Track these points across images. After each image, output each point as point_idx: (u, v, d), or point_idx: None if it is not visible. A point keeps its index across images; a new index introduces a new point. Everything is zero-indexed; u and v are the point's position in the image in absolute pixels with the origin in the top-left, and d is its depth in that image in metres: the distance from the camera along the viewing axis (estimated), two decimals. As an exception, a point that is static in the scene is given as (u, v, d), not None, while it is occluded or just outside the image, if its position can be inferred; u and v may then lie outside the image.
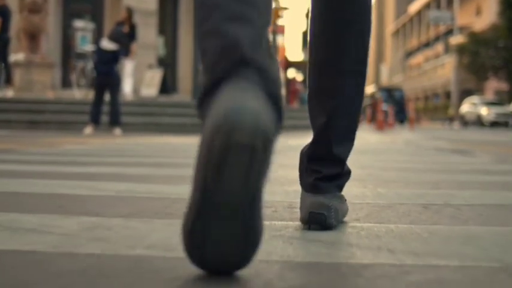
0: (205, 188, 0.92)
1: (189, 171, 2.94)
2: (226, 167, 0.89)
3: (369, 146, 7.25)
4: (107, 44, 9.96)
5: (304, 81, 29.99)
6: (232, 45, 0.98)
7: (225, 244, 0.95)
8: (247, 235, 0.95)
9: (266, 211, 1.72)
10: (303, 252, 1.18)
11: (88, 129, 9.65)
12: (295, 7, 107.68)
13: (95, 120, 9.69)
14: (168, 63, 17.62)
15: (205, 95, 0.97)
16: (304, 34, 36.87)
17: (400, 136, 11.94)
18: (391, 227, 1.49)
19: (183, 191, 2.16)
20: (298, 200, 1.57)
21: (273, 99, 0.95)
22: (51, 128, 10.62)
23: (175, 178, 2.70)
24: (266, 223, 1.45)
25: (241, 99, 0.89)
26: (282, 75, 2.54)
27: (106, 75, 9.77)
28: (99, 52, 10.00)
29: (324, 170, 1.49)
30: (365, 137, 11.27)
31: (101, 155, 4.43)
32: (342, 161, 1.53)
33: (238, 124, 0.87)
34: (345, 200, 1.57)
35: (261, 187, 0.93)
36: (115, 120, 9.73)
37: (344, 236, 1.36)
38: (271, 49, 1.04)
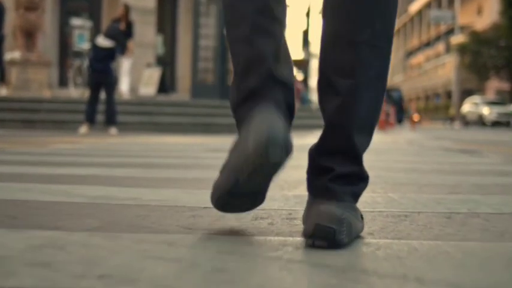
0: (235, 184, 1.21)
1: (177, 173, 2.68)
2: (258, 176, 1.18)
3: (371, 145, 6.97)
4: (103, 41, 9.69)
5: (304, 80, 29.78)
6: (259, 59, 1.24)
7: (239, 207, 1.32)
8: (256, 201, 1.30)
9: (261, 223, 1.44)
10: (304, 283, 0.90)
11: (83, 129, 9.40)
12: (295, 6, 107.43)
13: (90, 119, 9.43)
14: (166, 62, 17.47)
15: (240, 104, 1.26)
16: (305, 33, 36.72)
17: (402, 136, 11.68)
18: (414, 245, 1.21)
19: (165, 196, 1.88)
20: (299, 208, 1.30)
21: (290, 108, 1.27)
22: (47, 127, 10.44)
23: (160, 181, 2.42)
24: (260, 239, 1.18)
25: (273, 124, 1.13)
26: None
27: (101, 73, 9.51)
28: (95, 49, 9.74)
29: (338, 167, 1.25)
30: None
31: (90, 155, 4.16)
32: (358, 156, 1.28)
33: (274, 150, 1.12)
34: (362, 217, 1.32)
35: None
36: (111, 120, 9.49)
37: (357, 259, 1.08)
38: (286, 52, 1.28)
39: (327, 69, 1.29)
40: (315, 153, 1.30)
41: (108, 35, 9.91)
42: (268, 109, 1.18)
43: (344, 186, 1.25)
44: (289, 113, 1.26)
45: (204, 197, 1.80)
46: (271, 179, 1.22)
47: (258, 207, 1.33)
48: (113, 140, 7.05)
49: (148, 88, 14.54)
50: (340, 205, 1.20)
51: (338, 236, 1.13)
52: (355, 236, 1.23)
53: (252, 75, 1.24)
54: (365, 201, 1.83)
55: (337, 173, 1.24)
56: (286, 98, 1.26)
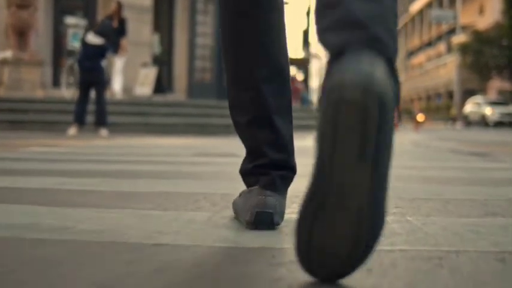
0: (322, 166, 0.87)
1: (144, 185, 2.22)
2: (340, 128, 0.85)
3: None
4: (93, 38, 9.26)
5: (304, 80, 29.40)
6: (261, 151, 1.46)
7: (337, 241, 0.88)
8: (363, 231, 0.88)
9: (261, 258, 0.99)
10: None
11: (72, 130, 8.98)
12: (296, 5, 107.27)
13: (79, 120, 9.02)
14: (163, 62, 17.18)
15: (247, 174, 1.50)
16: (305, 32, 36.34)
17: (406, 137, 11.24)
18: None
19: (105, 223, 1.42)
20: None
21: (391, 66, 0.95)
22: (35, 128, 10.10)
23: (114, 197, 1.96)
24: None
25: (356, 62, 0.88)
26: None
27: (91, 71, 9.10)
28: (84, 47, 9.31)
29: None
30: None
31: (57, 160, 3.70)
32: (363, 23, 0.98)
33: (349, 81, 0.84)
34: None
35: (383, 171, 0.87)
36: (101, 121, 9.07)
37: None
38: (395, 21, 1.01)
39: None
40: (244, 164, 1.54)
41: (99, 32, 9.45)
42: (354, 54, 0.91)
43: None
44: (285, 184, 1.46)
45: (158, 223, 1.35)
46: (373, 156, 0.87)
47: None
48: (99, 142, 6.62)
49: (144, 88, 14.22)
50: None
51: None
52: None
53: (254, 161, 1.45)
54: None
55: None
56: (284, 176, 1.44)
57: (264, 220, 1.34)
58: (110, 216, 1.52)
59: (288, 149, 1.46)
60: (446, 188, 2.43)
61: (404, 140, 9.31)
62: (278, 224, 1.37)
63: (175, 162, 3.67)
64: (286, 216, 1.45)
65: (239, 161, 1.54)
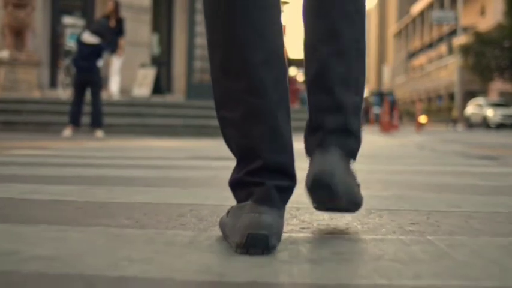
0: None
1: (120, 195, 1.91)
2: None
3: (380, 150, 6.30)
4: (88, 37, 9.00)
5: (304, 81, 29.09)
6: (253, 151, 1.23)
7: None
8: None
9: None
10: None
11: (67, 131, 8.74)
12: (296, 5, 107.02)
13: (74, 121, 8.77)
14: (162, 62, 16.97)
15: (237, 187, 1.26)
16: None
17: (409, 139, 10.99)
18: None
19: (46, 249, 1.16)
20: None
21: (351, 150, 1.39)
22: (29, 129, 9.90)
23: (68, 215, 1.71)
24: None
25: (326, 167, 1.29)
26: None
27: (86, 71, 8.86)
28: (80, 46, 9.06)
29: (326, 122, 1.37)
30: (372, 139, 10.33)
31: (42, 163, 3.44)
32: (343, 109, 1.36)
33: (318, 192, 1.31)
34: (357, 185, 1.44)
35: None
36: (96, 122, 8.84)
37: None
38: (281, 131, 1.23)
39: (311, 38, 1.41)
40: (308, 124, 1.45)
41: (95, 31, 9.20)
42: (326, 152, 1.32)
43: (334, 139, 1.37)
44: (283, 196, 1.25)
45: (129, 246, 1.10)
46: None
47: None
48: (92, 144, 6.36)
49: (143, 89, 14.00)
50: (333, 155, 1.34)
51: (332, 182, 1.30)
52: (351, 192, 1.38)
53: (246, 166, 1.24)
54: (400, 259, 1.11)
55: (327, 129, 1.38)
56: (282, 186, 1.24)
57: (257, 244, 1.13)
58: (73, 237, 1.27)
59: (287, 151, 1.25)
60: (464, 198, 2.18)
61: (407, 142, 9.06)
62: (274, 247, 1.16)
63: (165, 166, 3.41)
64: (284, 235, 1.20)
65: (234, 164, 1.31)
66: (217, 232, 1.36)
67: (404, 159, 4.87)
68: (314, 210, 1.42)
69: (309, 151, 1.37)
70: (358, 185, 1.42)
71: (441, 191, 2.41)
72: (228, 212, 1.29)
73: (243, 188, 1.22)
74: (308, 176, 1.31)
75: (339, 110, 1.33)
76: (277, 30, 1.26)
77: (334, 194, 1.28)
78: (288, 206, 1.25)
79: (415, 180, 2.84)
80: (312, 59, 1.37)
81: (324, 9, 1.37)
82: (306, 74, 1.39)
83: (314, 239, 1.33)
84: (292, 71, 24.60)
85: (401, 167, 3.80)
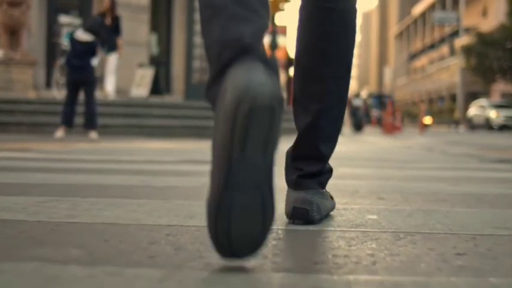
0: (230, 165, 1.00)
1: (81, 215, 1.55)
2: (251, 129, 0.98)
3: (387, 152, 5.92)
4: (82, 35, 8.61)
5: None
6: (236, 38, 1.10)
7: (248, 216, 1.02)
8: (265, 207, 1.05)
9: None
10: None
11: (59, 133, 8.38)
12: (297, 6, 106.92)
13: (67, 122, 8.40)
14: (161, 62, 16.71)
15: (213, 80, 1.11)
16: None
17: (413, 141, 10.62)
18: None
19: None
20: None
21: (275, 74, 1.06)
22: (22, 130, 9.62)
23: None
24: None
25: (254, 72, 1.00)
26: (283, 75, 2.69)
27: (80, 70, 8.49)
28: (73, 44, 8.68)
29: (306, 167, 1.58)
30: (376, 141, 9.97)
31: (16, 168, 3.06)
32: (325, 159, 1.60)
33: (260, 91, 0.98)
34: (330, 197, 1.67)
35: (274, 160, 1.05)
36: (90, 123, 8.47)
37: None
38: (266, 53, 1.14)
39: (300, 93, 1.59)
40: (290, 157, 1.62)
41: (88, 28, 8.80)
42: (243, 65, 1.04)
43: (312, 179, 1.58)
44: (275, 76, 1.09)
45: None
46: (271, 150, 1.03)
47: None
48: (83, 145, 5.99)
49: (141, 89, 13.71)
50: (309, 192, 1.54)
51: (311, 214, 1.51)
52: (325, 213, 1.60)
53: (228, 50, 1.09)
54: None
55: (305, 172, 1.57)
56: (268, 67, 1.06)
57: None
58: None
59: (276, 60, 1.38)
60: (508, 214, 1.79)
61: (412, 144, 8.69)
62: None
63: (152, 172, 3.02)
64: (293, 274, 0.81)
65: None
66: (197, 272, 0.99)
67: (416, 163, 4.49)
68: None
69: (288, 183, 1.60)
70: (331, 197, 1.69)
71: (474, 203, 2.02)
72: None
73: (217, 82, 1.10)
74: (287, 206, 1.56)
75: (320, 160, 1.58)
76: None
77: (311, 222, 1.52)
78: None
79: (438, 190, 2.46)
80: (303, 113, 1.57)
81: (315, 73, 1.55)
82: (297, 125, 1.59)
83: (331, 283, 0.95)
84: (293, 71, 24.34)
85: (416, 172, 3.41)
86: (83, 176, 2.69)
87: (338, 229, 1.46)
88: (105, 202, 1.80)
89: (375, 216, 1.66)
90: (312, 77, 1.56)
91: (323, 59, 1.54)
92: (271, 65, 1.06)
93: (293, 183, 1.57)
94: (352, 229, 1.47)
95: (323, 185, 1.61)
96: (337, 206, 1.80)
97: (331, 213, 1.69)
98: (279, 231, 1.41)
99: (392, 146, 8.01)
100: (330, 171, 1.64)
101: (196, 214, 1.61)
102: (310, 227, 1.47)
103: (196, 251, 1.15)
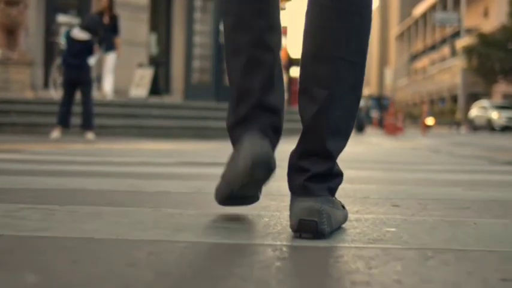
0: (231, 193, 1.48)
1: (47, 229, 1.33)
2: (248, 187, 1.44)
3: (393, 154, 5.71)
4: (78, 33, 8.40)
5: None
6: (250, 90, 1.49)
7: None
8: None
9: None
10: None
11: (55, 133, 8.19)
12: (297, 6, 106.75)
13: (63, 122, 8.20)
14: (160, 62, 16.55)
15: (234, 126, 1.51)
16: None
17: (417, 142, 10.41)
18: None
19: None
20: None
21: (277, 130, 1.51)
22: (17, 131, 9.40)
23: None
24: None
25: (258, 148, 1.34)
26: (284, 76, 2.41)
27: (76, 69, 8.28)
28: (69, 43, 8.47)
29: (313, 167, 1.41)
30: (379, 142, 9.75)
31: None
32: (332, 158, 1.43)
33: (258, 171, 1.34)
34: (341, 206, 1.50)
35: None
36: (87, 123, 8.27)
37: None
38: (278, 77, 1.52)
39: (307, 81, 1.44)
40: (294, 155, 1.45)
41: (85, 27, 8.57)
42: (254, 135, 1.39)
43: (320, 183, 1.40)
44: (275, 134, 1.51)
45: None
46: (260, 188, 1.52)
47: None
48: (77, 146, 5.78)
49: (140, 90, 13.55)
50: (318, 200, 1.36)
51: (320, 226, 1.31)
52: (336, 225, 1.41)
53: (243, 104, 1.48)
54: None
55: (313, 173, 1.40)
56: (273, 122, 1.50)
57: (261, 167, 1.41)
58: None
59: (278, 97, 1.52)
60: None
61: (417, 146, 8.48)
62: (271, 170, 1.42)
63: (144, 175, 2.79)
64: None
65: None
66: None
67: (424, 165, 4.27)
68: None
69: (292, 189, 1.43)
70: (342, 206, 1.50)
71: (501, 212, 1.80)
72: (228, 161, 1.52)
73: (237, 129, 1.49)
74: (292, 217, 1.37)
75: (327, 158, 1.41)
76: (277, 3, 1.53)
77: (321, 236, 1.32)
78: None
79: (457, 195, 2.24)
80: (310, 102, 1.42)
81: (323, 54, 1.43)
82: (303, 116, 1.45)
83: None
84: (294, 71, 24.13)
85: (428, 175, 3.19)
86: (68, 180, 2.47)
87: (353, 245, 1.24)
88: (85, 211, 1.57)
89: (393, 229, 1.44)
90: (320, 58, 1.40)
91: (334, 40, 1.39)
92: (276, 121, 1.49)
93: (299, 188, 1.39)
94: (370, 245, 1.24)
95: (333, 191, 1.42)
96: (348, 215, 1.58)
97: (344, 225, 1.48)
98: (283, 249, 1.19)
99: (397, 147, 7.80)
100: (340, 175, 1.45)
101: (186, 227, 1.38)
102: (321, 243, 1.24)
103: (183, 278, 0.93)
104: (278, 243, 1.24)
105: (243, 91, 1.46)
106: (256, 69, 1.45)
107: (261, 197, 1.57)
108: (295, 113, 8.13)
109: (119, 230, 1.33)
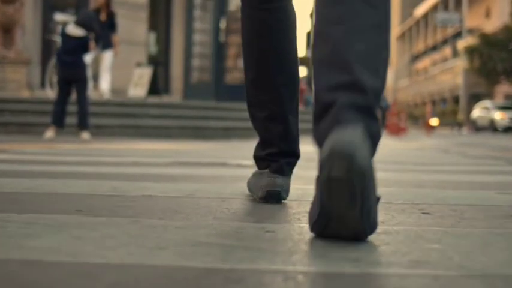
0: (321, 203, 1.13)
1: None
2: (332, 192, 1.07)
3: (400, 154, 5.43)
4: (73, 30, 8.11)
5: (309, 82, 28.42)
6: (272, 141, 1.79)
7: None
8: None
9: None
10: None
11: (49, 133, 7.94)
12: (300, 7, 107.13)
13: (57, 122, 7.95)
14: (159, 61, 16.43)
15: (260, 159, 1.81)
16: (308, 35, 35.43)
17: (422, 142, 10.13)
18: None
19: None
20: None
21: (291, 165, 1.80)
22: (11, 130, 9.09)
23: None
24: None
25: (343, 140, 1.04)
26: None
27: (71, 67, 8.04)
28: (64, 39, 8.21)
29: (342, 98, 1.18)
30: (384, 142, 9.47)
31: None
32: (364, 89, 1.16)
33: (336, 163, 1.04)
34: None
35: (368, 202, 1.08)
36: (82, 123, 8.04)
37: None
38: (294, 130, 1.78)
39: (320, 22, 1.26)
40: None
41: (80, 23, 8.27)
42: (343, 127, 1.11)
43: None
44: (291, 169, 1.79)
45: None
46: (361, 201, 1.09)
47: None
48: (70, 146, 5.51)
49: (139, 89, 13.36)
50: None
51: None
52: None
53: (267, 149, 1.77)
54: None
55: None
56: (290, 162, 1.78)
57: (273, 196, 1.68)
58: None
59: (295, 141, 1.77)
60: None
61: (424, 146, 8.20)
62: (284, 198, 1.72)
63: (132, 176, 2.47)
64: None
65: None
66: None
67: (438, 165, 3.96)
68: None
69: (320, 139, 1.16)
70: (377, 199, 1.19)
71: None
72: (253, 174, 1.82)
73: (264, 161, 1.78)
74: (322, 152, 1.10)
75: (357, 89, 1.14)
76: (295, 58, 1.73)
77: (355, 171, 1.03)
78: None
79: (492, 200, 1.92)
80: (324, 40, 1.21)
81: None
82: (315, 54, 1.23)
83: None
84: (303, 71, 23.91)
85: (448, 177, 2.88)
86: (44, 182, 2.16)
87: (392, 271, 0.91)
88: (45, 221, 1.25)
89: (436, 245, 1.11)
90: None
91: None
92: (291, 164, 1.79)
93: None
94: (414, 270, 0.92)
95: (373, 137, 1.25)
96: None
97: (370, 238, 1.15)
98: (298, 278, 0.87)
99: (403, 148, 7.52)
100: (379, 125, 1.30)
101: (169, 244, 1.05)
102: (347, 267, 0.92)
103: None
104: (290, 268, 0.91)
105: (267, 139, 1.77)
106: (275, 124, 1.73)
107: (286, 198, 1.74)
108: (305, 113, 7.84)
109: (80, 248, 1.00)
